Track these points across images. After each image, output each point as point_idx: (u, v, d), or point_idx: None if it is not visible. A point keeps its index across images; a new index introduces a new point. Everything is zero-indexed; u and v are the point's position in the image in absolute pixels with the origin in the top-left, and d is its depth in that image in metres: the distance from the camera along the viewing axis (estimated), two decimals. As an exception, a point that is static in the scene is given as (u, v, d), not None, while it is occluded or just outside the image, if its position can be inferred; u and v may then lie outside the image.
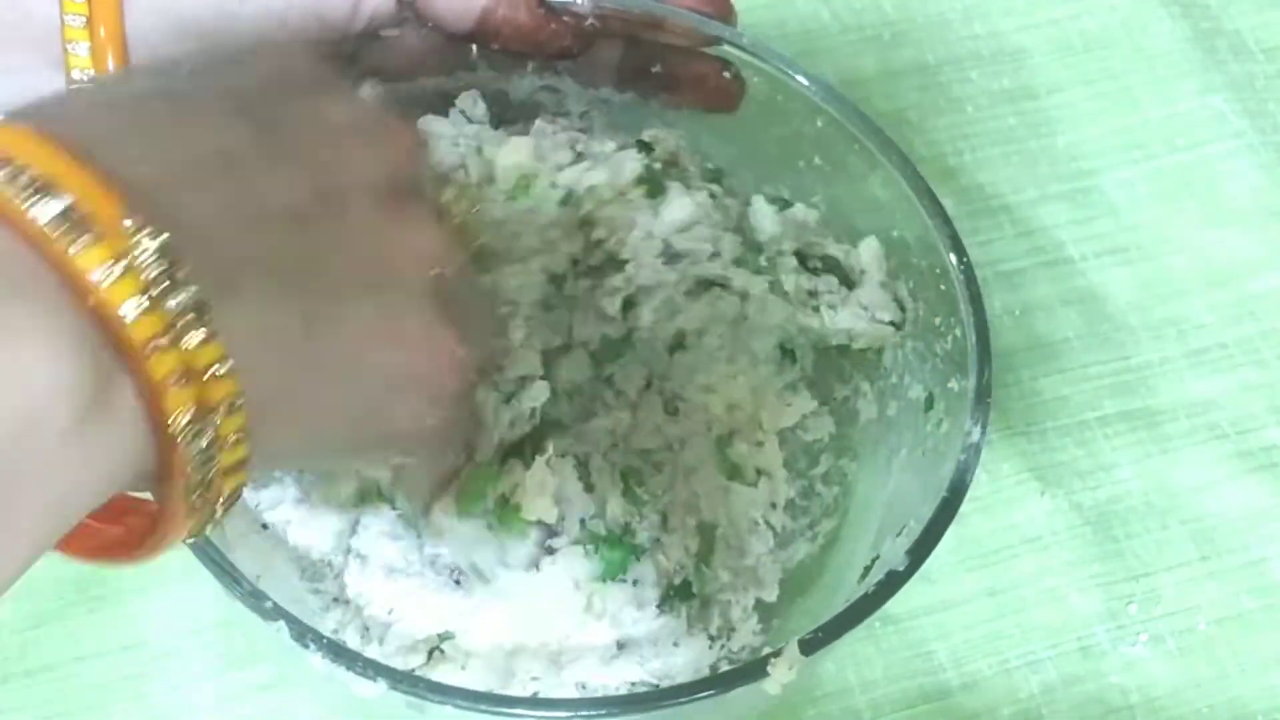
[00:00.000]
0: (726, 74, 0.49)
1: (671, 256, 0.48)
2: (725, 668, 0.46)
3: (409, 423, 0.37)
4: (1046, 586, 0.53)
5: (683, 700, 0.38)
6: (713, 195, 0.49)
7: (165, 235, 0.28)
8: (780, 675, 0.38)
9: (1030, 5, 0.67)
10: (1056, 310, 0.60)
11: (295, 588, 0.46)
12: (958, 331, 0.44)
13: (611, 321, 0.49)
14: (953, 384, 0.44)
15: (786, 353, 0.51)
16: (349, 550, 0.46)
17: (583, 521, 0.46)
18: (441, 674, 0.44)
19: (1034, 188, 0.63)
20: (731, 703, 0.39)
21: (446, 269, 0.36)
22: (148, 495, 0.30)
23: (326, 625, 0.45)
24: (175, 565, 0.50)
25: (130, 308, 0.27)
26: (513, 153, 0.47)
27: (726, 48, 0.49)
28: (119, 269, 0.27)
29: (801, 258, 0.49)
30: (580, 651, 0.45)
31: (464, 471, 0.45)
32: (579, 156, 0.48)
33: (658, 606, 0.46)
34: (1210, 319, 0.60)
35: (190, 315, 0.28)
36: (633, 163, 0.47)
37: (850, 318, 0.48)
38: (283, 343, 0.31)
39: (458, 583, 0.46)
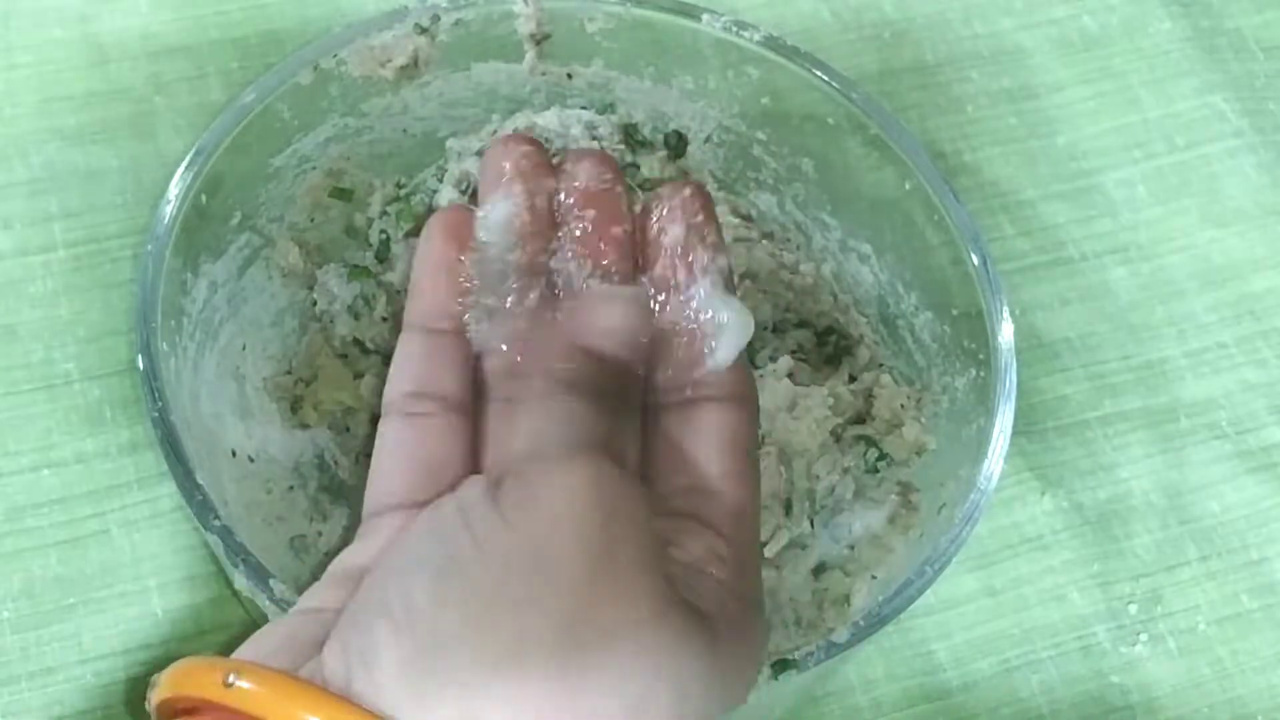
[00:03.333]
0: None
1: None
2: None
3: None
4: (1047, 586, 0.54)
5: None
6: None
7: None
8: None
9: (1030, 5, 0.68)
10: (1056, 310, 0.60)
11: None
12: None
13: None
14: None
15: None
16: None
17: None
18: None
19: (1034, 187, 0.63)
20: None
21: None
22: None
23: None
24: (180, 567, 0.51)
25: None
26: None
27: None
28: None
29: None
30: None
31: None
32: None
33: None
34: (1210, 319, 0.60)
35: None
36: None
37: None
38: None
39: None
